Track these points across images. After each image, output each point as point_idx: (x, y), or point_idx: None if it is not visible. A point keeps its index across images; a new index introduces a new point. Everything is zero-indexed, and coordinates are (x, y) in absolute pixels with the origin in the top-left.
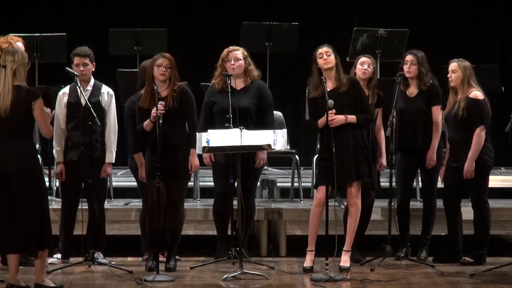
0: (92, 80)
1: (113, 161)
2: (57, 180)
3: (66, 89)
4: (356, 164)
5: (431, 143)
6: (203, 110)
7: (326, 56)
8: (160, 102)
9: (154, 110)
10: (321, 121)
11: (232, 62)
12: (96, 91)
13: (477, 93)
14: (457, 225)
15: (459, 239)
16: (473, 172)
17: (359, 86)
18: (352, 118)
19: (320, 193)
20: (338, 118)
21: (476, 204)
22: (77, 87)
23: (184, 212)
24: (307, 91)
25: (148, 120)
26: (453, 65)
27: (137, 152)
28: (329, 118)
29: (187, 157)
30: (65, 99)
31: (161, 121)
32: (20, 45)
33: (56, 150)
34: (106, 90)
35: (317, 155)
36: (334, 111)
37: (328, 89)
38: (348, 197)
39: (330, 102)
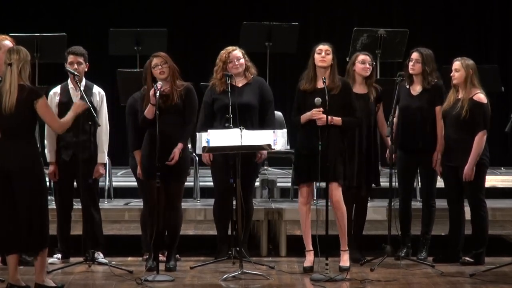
0: (84, 80)
1: (105, 161)
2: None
3: (57, 89)
4: (333, 165)
5: (432, 142)
6: (202, 109)
7: (324, 54)
8: (158, 83)
9: (152, 92)
10: (304, 117)
11: (236, 63)
12: (87, 91)
13: (481, 96)
14: (460, 225)
15: (461, 239)
16: (473, 175)
17: (350, 89)
18: (337, 120)
19: (304, 191)
20: (323, 118)
21: (473, 203)
22: (70, 87)
23: (182, 211)
24: (297, 88)
25: (150, 105)
26: (456, 64)
27: (137, 149)
28: (316, 116)
29: (185, 156)
30: (57, 98)
31: (157, 112)
32: (8, 43)
33: (49, 150)
34: (97, 90)
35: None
36: (321, 109)
37: (319, 87)
38: (331, 200)
39: (318, 100)
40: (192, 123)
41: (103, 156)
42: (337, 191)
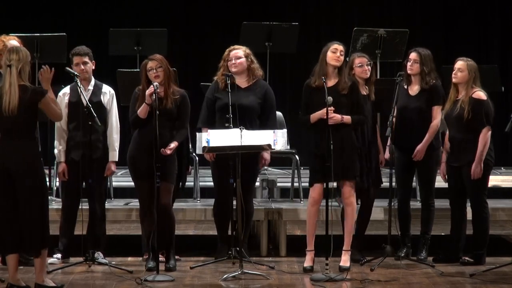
0: (93, 80)
1: (117, 159)
2: (58, 180)
3: (66, 89)
4: (349, 163)
5: (430, 143)
6: (205, 105)
7: (340, 54)
8: (155, 83)
9: (148, 90)
10: (315, 116)
11: (233, 61)
12: (97, 90)
13: (480, 93)
14: (462, 225)
15: (462, 239)
16: (481, 173)
17: (357, 87)
18: (347, 118)
19: (315, 192)
20: (336, 117)
21: (475, 203)
22: (78, 87)
23: (173, 211)
24: (305, 86)
25: (144, 104)
26: (460, 63)
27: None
28: (329, 116)
29: (175, 158)
30: (66, 99)
31: (157, 112)
32: (15, 43)
33: (58, 150)
34: (107, 89)
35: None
36: (333, 108)
37: (328, 86)
38: (343, 197)
39: (329, 99)
40: (185, 128)
41: (114, 154)
42: (350, 188)
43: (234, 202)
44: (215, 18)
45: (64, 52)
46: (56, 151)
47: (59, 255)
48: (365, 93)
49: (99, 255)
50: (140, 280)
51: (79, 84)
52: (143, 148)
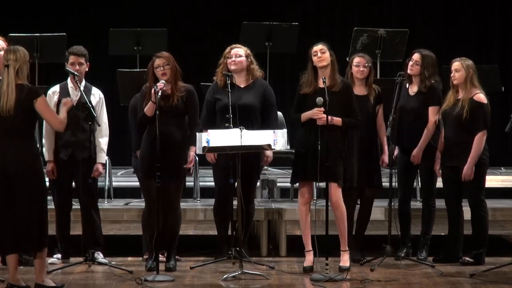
0: (84, 81)
1: (104, 161)
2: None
3: (56, 88)
4: (332, 166)
5: (428, 143)
6: (205, 107)
7: (320, 54)
8: (161, 81)
9: (153, 89)
10: (305, 116)
11: (233, 59)
12: (86, 92)
13: (481, 96)
14: (459, 225)
15: (460, 239)
16: (472, 175)
17: (351, 90)
18: (337, 120)
19: (304, 191)
20: (324, 118)
21: (473, 203)
22: (69, 86)
23: (181, 211)
24: (299, 86)
25: (150, 102)
26: (456, 64)
27: (140, 148)
28: (317, 116)
29: (185, 156)
30: (55, 98)
31: (157, 112)
32: (1, 43)
33: (47, 149)
34: (97, 92)
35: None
36: (322, 109)
37: (320, 86)
38: (330, 199)
39: (319, 99)
40: (197, 125)
41: (102, 156)
42: (336, 191)
43: (235, 202)
44: (215, 18)
45: (64, 52)
46: (45, 150)
47: (59, 255)
48: (364, 93)
49: (99, 255)
50: (140, 280)
51: (79, 84)
52: (152, 148)
